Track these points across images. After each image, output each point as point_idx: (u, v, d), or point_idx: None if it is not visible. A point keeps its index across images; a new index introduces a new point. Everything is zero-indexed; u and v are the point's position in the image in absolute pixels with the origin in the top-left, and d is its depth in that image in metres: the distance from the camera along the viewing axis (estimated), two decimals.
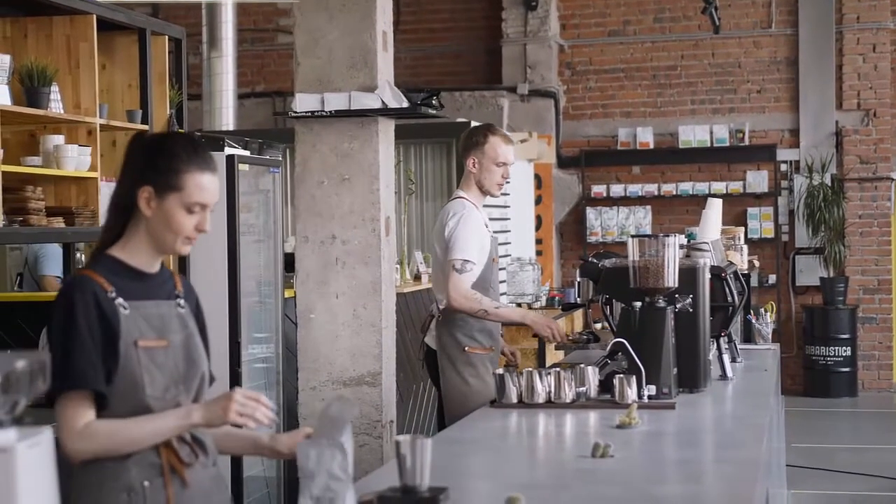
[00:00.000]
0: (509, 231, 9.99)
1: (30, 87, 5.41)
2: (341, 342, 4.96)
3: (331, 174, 4.97)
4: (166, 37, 6.52)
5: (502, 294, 7.04)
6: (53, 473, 1.82)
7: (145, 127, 6.09)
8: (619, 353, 4.12)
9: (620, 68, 12.69)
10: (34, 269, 7.40)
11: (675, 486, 3.09)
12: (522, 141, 10.69)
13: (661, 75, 12.62)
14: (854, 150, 12.24)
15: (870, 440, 9.88)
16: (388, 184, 5.04)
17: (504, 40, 12.75)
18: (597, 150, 12.69)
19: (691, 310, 4.38)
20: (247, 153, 6.28)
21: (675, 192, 12.37)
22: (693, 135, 12.38)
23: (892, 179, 12.24)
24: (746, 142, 12.34)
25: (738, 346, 5.38)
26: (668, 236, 4.24)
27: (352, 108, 4.88)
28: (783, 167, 12.34)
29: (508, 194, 8.24)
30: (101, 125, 5.85)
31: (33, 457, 1.76)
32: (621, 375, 4.04)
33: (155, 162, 2.74)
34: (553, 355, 7.22)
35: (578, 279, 5.02)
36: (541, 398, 4.04)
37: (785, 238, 12.35)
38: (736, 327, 5.72)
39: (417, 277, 8.30)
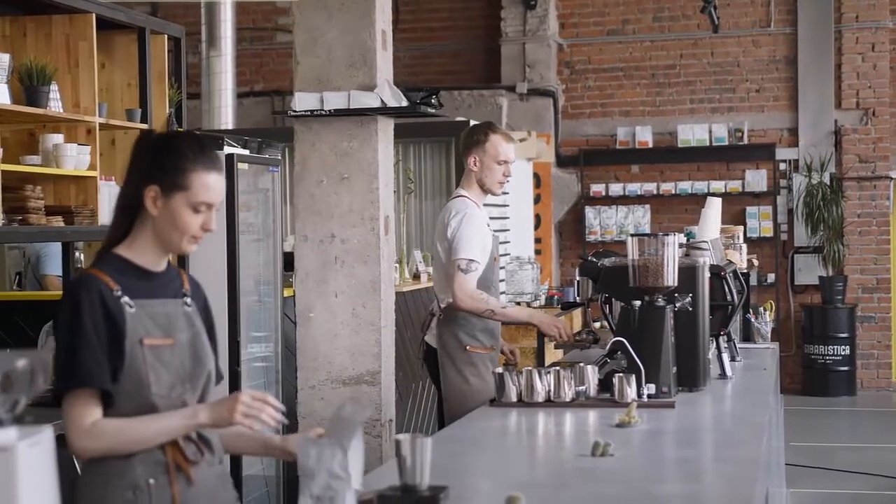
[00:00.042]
0: (508, 230, 9.98)
1: (29, 86, 5.41)
2: (340, 341, 4.96)
3: (330, 173, 4.97)
4: (165, 36, 6.52)
5: (501, 293, 7.03)
6: (54, 472, 1.82)
7: (144, 126, 6.08)
8: (619, 352, 4.13)
9: (619, 67, 12.69)
10: (36, 269, 7.40)
11: (674, 485, 3.09)
12: (521, 140, 10.69)
13: (660, 74, 12.61)
14: (853, 149, 12.24)
15: (868, 439, 9.89)
16: (387, 183, 5.04)
17: (503, 39, 12.75)
18: (596, 149, 12.68)
19: (690, 309, 4.38)
20: (246, 152, 6.27)
21: (673, 191, 12.36)
22: (692, 134, 12.37)
23: (891, 178, 12.24)
24: (745, 141, 12.33)
25: (738, 345, 5.39)
26: (667, 235, 4.24)
27: (351, 107, 4.88)
28: (782, 166, 12.34)
29: (508, 193, 8.23)
30: (101, 124, 5.84)
31: (34, 456, 1.76)
32: (621, 374, 4.04)
33: (161, 161, 2.74)
34: (552, 354, 7.21)
35: (578, 278, 5.03)
36: (540, 397, 4.04)
37: (784, 237, 12.35)
38: (735, 326, 5.72)
39: (417, 276, 8.30)
